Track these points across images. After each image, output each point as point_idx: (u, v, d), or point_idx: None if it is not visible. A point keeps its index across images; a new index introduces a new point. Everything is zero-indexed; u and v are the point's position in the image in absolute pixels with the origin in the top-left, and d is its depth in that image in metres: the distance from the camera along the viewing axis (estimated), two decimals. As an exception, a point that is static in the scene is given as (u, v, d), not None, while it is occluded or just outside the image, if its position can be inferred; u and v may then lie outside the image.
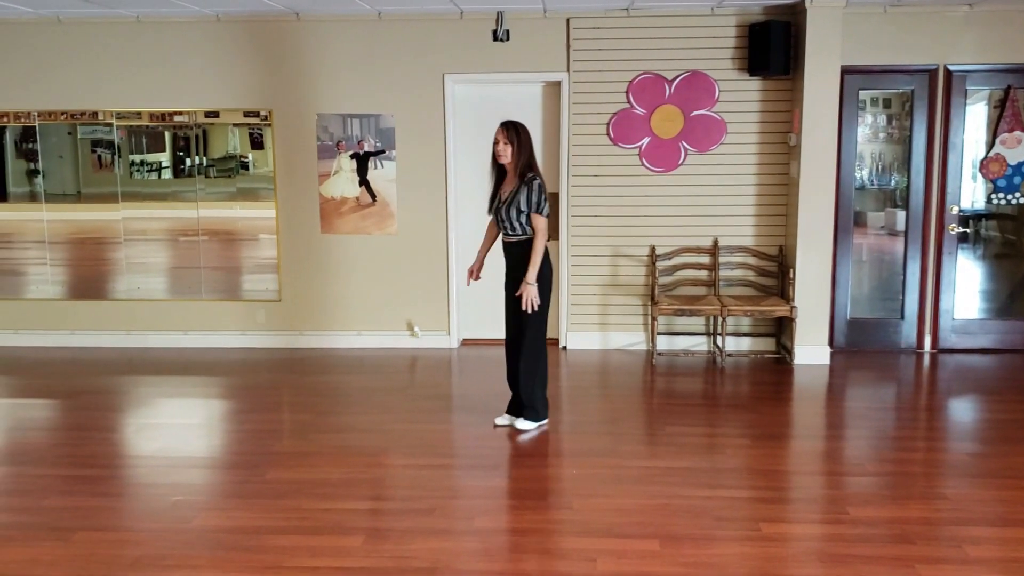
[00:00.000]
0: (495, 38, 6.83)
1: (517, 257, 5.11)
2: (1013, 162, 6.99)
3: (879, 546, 3.69)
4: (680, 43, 6.91)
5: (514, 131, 5.05)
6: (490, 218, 5.30)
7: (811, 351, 6.78)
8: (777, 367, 6.77)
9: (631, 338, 7.23)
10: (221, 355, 7.22)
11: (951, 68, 6.90)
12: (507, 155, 5.06)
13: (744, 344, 7.17)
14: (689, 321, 7.18)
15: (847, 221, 7.08)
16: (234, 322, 7.43)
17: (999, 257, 7.39)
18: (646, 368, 6.73)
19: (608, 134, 7.02)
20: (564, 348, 7.28)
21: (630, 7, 6.71)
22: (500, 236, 5.25)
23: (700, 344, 7.22)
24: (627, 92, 6.98)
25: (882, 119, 7.19)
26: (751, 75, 6.87)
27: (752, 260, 7.09)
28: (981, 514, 4.04)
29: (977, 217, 7.22)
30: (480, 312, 7.44)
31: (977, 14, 6.76)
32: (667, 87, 6.95)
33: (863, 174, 7.20)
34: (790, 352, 6.79)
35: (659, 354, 7.04)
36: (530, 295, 4.99)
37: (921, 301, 7.14)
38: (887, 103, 7.15)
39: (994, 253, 7.37)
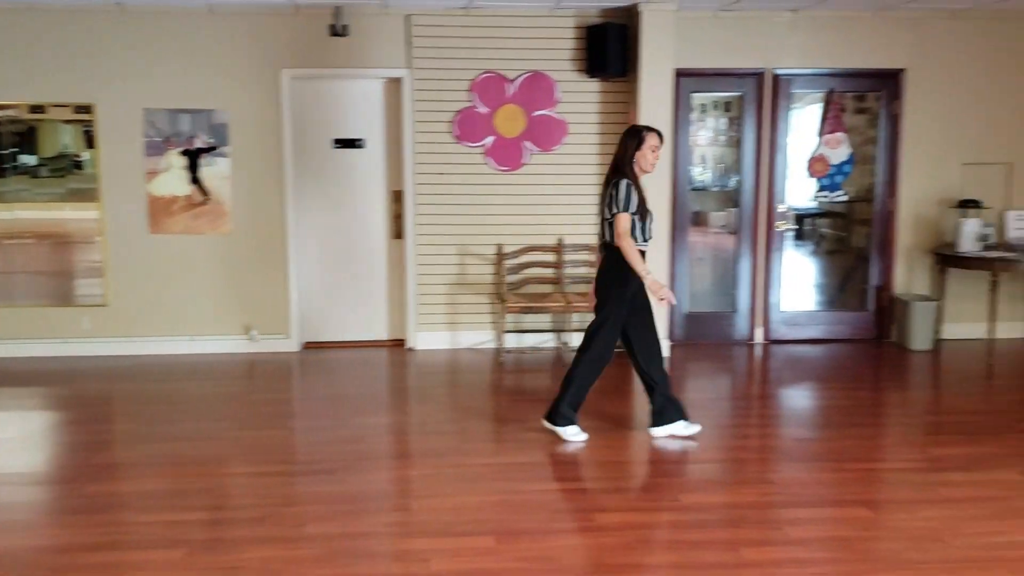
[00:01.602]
0: (333, 33, 6.68)
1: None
2: (835, 162, 7.37)
3: (707, 531, 3.78)
4: (520, 43, 6.95)
5: None
6: (626, 230, 4.72)
7: (652, 345, 6.93)
8: (619, 361, 6.87)
9: (479, 337, 7.22)
10: (41, 364, 6.75)
11: (777, 72, 7.22)
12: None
13: (589, 340, 7.27)
14: (536, 318, 7.23)
15: (684, 220, 7.31)
16: (57, 329, 6.97)
17: (831, 253, 7.81)
18: (494, 366, 6.73)
19: (452, 132, 6.98)
20: (411, 349, 7.19)
21: (469, 5, 6.70)
22: (641, 246, 4.81)
23: (547, 341, 7.28)
24: (470, 90, 6.96)
25: (723, 122, 7.45)
26: (590, 76, 6.99)
27: (595, 258, 7.20)
28: (804, 496, 4.21)
29: (811, 215, 7.59)
30: (323, 315, 7.26)
31: (801, 20, 7.10)
32: (509, 86, 6.98)
33: (706, 176, 7.46)
34: (632, 347, 6.93)
35: (507, 352, 7.05)
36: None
37: (753, 295, 7.44)
38: (728, 107, 7.42)
39: (827, 249, 7.78)
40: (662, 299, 4.75)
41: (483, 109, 6.98)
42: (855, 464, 4.60)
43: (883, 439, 5.14)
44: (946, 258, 7.20)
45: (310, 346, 7.26)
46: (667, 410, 5.01)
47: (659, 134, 4.82)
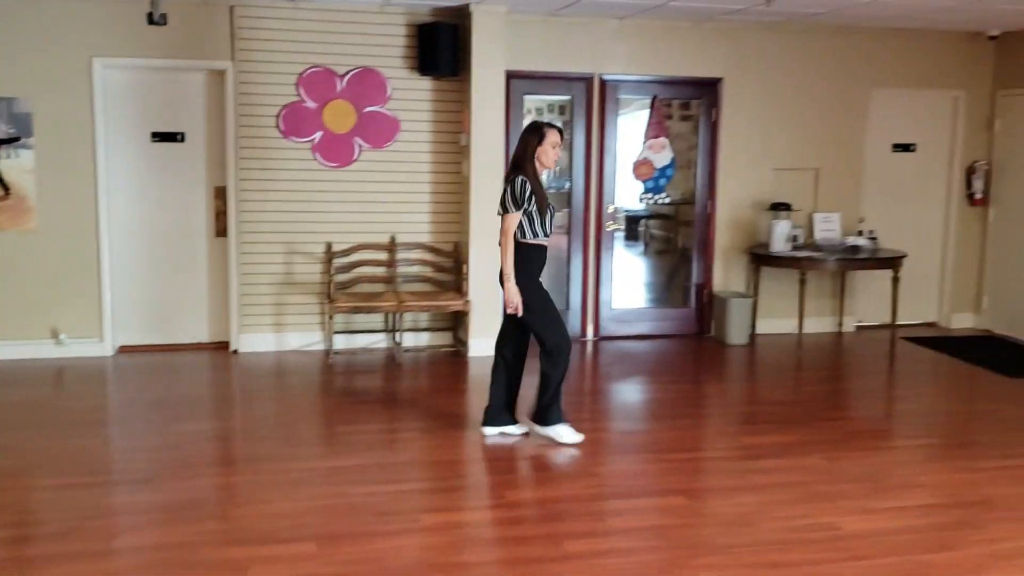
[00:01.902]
0: (151, 21, 6.32)
1: None
2: (659, 166, 7.63)
3: (531, 526, 3.83)
4: (350, 39, 6.82)
5: None
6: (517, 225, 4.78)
7: (485, 343, 6.95)
8: (453, 360, 6.89)
9: (308, 338, 7.03)
10: None
11: (604, 77, 7.41)
12: None
13: (423, 339, 7.24)
14: (368, 318, 7.11)
15: (518, 219, 7.37)
16: None
17: (659, 253, 8.12)
18: (323, 368, 6.57)
19: (278, 127, 6.78)
20: (235, 351, 6.92)
21: (297, -3, 6.53)
22: (542, 240, 4.84)
23: (380, 341, 7.18)
24: (297, 85, 6.78)
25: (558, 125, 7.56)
26: (422, 75, 6.94)
27: (429, 256, 7.17)
28: (627, 488, 4.34)
29: (641, 217, 7.85)
30: (140, 316, 6.88)
31: (627, 27, 7.31)
32: (338, 82, 6.84)
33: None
34: (465, 345, 6.95)
35: (336, 353, 6.89)
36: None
37: (584, 293, 7.61)
38: (562, 109, 7.54)
39: (655, 249, 8.08)
40: (511, 308, 4.79)
41: (311, 104, 6.81)
42: (675, 454, 4.78)
43: (702, 429, 5.38)
44: (760, 257, 7.60)
45: (125, 350, 6.86)
46: (502, 412, 5.01)
47: (560, 131, 4.90)
